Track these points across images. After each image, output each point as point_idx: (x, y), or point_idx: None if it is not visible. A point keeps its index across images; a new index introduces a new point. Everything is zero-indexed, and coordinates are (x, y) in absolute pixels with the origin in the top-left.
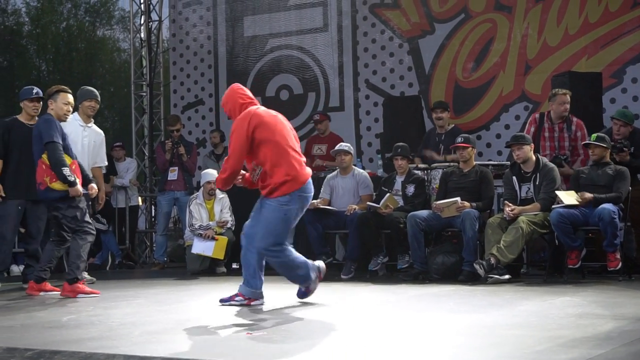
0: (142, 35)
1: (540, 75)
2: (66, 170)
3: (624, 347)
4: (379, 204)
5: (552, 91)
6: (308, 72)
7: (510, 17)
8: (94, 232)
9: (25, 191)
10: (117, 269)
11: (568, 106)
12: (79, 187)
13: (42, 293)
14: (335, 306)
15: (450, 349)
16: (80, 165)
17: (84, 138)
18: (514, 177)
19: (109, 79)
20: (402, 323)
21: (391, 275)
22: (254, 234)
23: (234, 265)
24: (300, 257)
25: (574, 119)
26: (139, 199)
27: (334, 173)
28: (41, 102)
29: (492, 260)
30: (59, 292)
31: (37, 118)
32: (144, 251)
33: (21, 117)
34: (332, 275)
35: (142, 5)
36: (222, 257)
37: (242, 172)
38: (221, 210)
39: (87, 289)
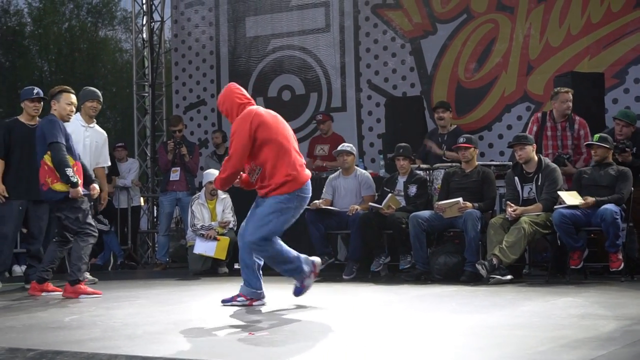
0: (144, 35)
1: (543, 75)
2: (69, 171)
3: (626, 348)
4: (381, 204)
5: (554, 89)
6: (310, 72)
7: (513, 18)
8: (96, 234)
9: (26, 191)
10: (119, 269)
11: (570, 104)
12: (80, 188)
13: (44, 293)
14: (337, 306)
15: (453, 349)
16: (83, 166)
17: (85, 138)
18: (516, 178)
19: (111, 80)
20: (404, 323)
21: (393, 275)
22: (246, 229)
23: (236, 266)
24: (292, 250)
25: (577, 118)
26: (141, 199)
27: (336, 173)
28: (42, 103)
29: (494, 261)
30: (61, 293)
31: (38, 118)
32: (146, 251)
33: (22, 118)
34: (334, 275)
35: (144, 6)
36: (223, 258)
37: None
38: (223, 211)
39: (89, 289)
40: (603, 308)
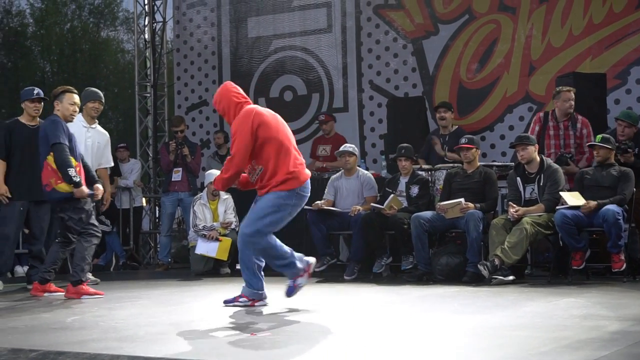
0: (146, 36)
1: (545, 76)
2: (72, 171)
3: (628, 349)
4: (383, 205)
5: (556, 89)
6: (312, 73)
7: (514, 18)
8: (100, 235)
9: (28, 192)
10: (121, 269)
11: (573, 103)
12: (84, 188)
13: (46, 294)
14: (339, 307)
15: (455, 350)
16: (86, 166)
17: (87, 139)
18: (518, 178)
19: (113, 80)
20: (406, 324)
21: (395, 276)
22: (243, 222)
23: (238, 267)
24: (285, 247)
25: (579, 117)
26: (143, 199)
27: (338, 174)
28: (42, 103)
29: (496, 262)
30: (63, 293)
31: (38, 119)
32: (148, 252)
33: (22, 119)
34: (336, 276)
35: (146, 7)
36: (225, 259)
37: None
38: (225, 211)
39: (91, 290)
40: (605, 309)
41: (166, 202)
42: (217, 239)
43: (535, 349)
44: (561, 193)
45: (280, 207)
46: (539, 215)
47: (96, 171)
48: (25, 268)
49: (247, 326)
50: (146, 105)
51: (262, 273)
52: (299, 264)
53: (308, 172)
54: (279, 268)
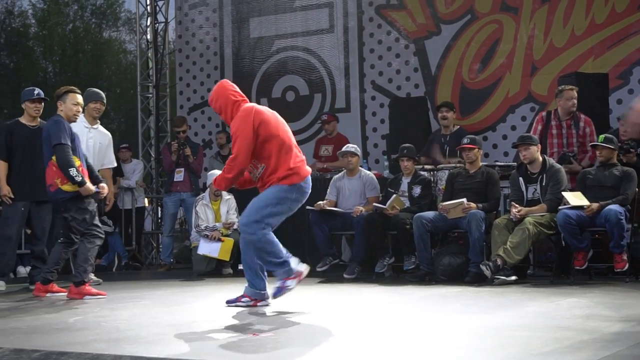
0: (149, 36)
1: (547, 76)
2: (73, 171)
3: (631, 349)
4: (385, 205)
5: (559, 87)
6: (314, 73)
7: (517, 18)
8: (103, 236)
9: (29, 192)
10: (124, 270)
11: (575, 101)
12: (89, 185)
13: (48, 294)
14: (341, 307)
15: (457, 350)
16: (90, 166)
17: (88, 140)
18: (521, 178)
19: (115, 81)
20: (409, 324)
21: (397, 276)
22: (243, 214)
23: (240, 267)
24: (282, 247)
25: (582, 116)
26: (145, 200)
27: (340, 174)
28: (43, 103)
29: (499, 262)
30: (66, 294)
31: (39, 119)
32: (150, 252)
33: (23, 119)
34: (339, 276)
35: (149, 7)
36: (228, 259)
37: None
38: (227, 212)
39: (94, 290)
40: (608, 309)
41: (168, 203)
42: (219, 240)
43: (538, 349)
44: (563, 193)
45: (281, 200)
46: (542, 215)
47: (99, 172)
48: (28, 268)
49: (249, 326)
50: (148, 105)
51: (265, 273)
52: (292, 266)
53: (309, 169)
54: (270, 266)
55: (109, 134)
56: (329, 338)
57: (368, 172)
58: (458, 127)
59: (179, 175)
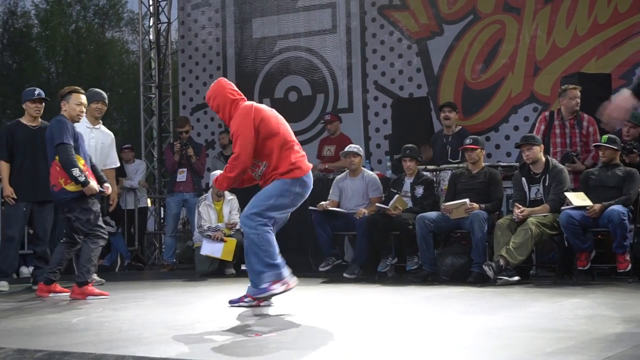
0: (151, 37)
1: (550, 76)
2: (76, 171)
3: (634, 350)
4: (387, 205)
5: (562, 87)
6: (317, 73)
7: (519, 19)
8: (106, 236)
9: (31, 193)
10: (126, 270)
11: (579, 100)
12: (93, 184)
13: (51, 294)
14: (344, 307)
15: (460, 350)
16: (93, 166)
17: (90, 140)
18: (523, 179)
19: (117, 81)
20: (412, 324)
21: (400, 276)
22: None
23: (243, 267)
24: (278, 250)
25: (585, 115)
26: (148, 200)
27: (343, 175)
28: (43, 103)
29: (501, 262)
30: (69, 294)
31: (40, 119)
32: (152, 253)
33: (24, 119)
34: (341, 276)
35: (151, 7)
36: (230, 259)
37: None
38: (230, 212)
39: (97, 290)
40: (610, 309)
41: (171, 203)
42: (222, 240)
43: (541, 349)
44: (566, 193)
45: (284, 193)
46: (544, 216)
47: (102, 172)
48: (31, 269)
49: (252, 327)
50: (151, 106)
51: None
52: (283, 272)
53: (309, 164)
54: (262, 266)
55: (111, 133)
56: (332, 338)
57: (371, 172)
58: (460, 127)
59: (182, 176)
